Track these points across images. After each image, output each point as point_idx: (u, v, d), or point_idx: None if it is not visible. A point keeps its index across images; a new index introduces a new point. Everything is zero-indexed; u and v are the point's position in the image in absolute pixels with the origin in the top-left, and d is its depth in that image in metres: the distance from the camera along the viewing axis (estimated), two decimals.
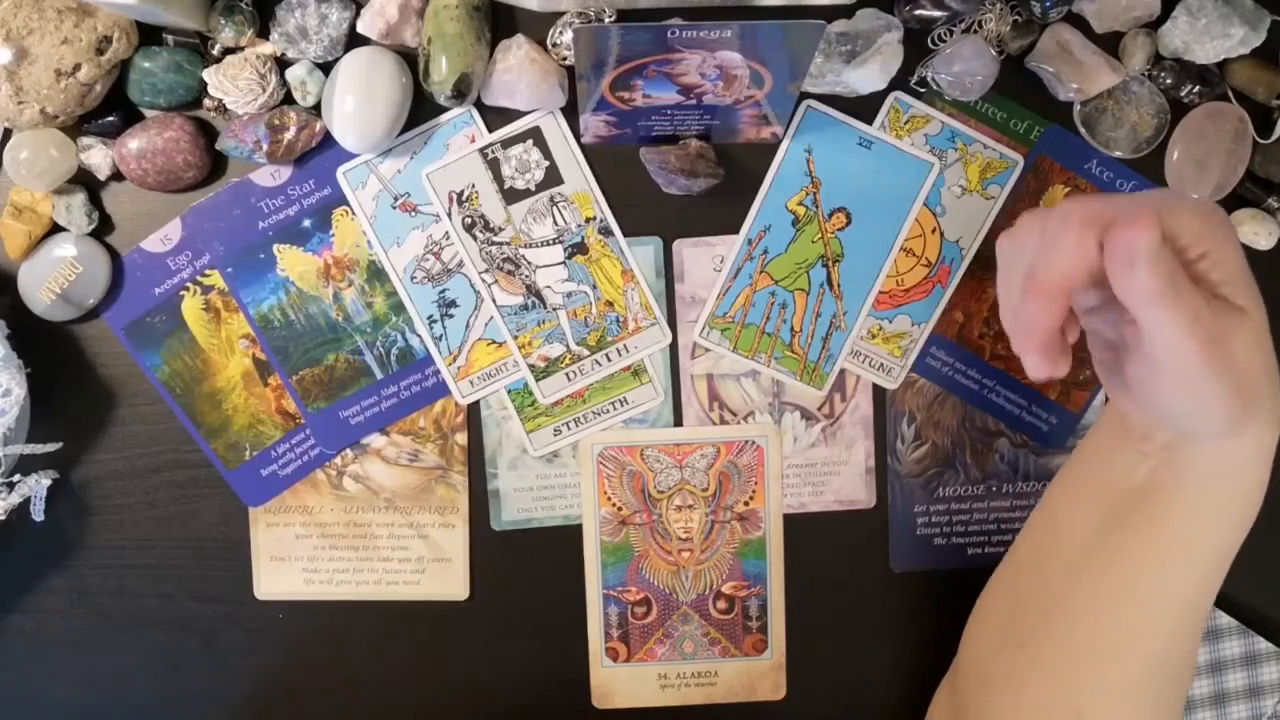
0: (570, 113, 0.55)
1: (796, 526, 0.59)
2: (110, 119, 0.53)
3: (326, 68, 0.53)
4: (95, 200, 0.55)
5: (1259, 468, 0.42)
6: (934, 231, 0.57)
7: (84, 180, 0.54)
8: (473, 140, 0.55)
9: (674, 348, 0.57)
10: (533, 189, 0.56)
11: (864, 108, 0.56)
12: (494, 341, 0.56)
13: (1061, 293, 0.38)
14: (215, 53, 0.53)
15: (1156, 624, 0.44)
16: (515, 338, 0.56)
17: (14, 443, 0.53)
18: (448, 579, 0.58)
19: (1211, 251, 0.38)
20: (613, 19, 0.53)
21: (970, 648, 0.53)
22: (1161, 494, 0.43)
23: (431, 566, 0.58)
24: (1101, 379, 0.45)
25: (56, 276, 0.54)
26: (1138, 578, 0.44)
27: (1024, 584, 0.50)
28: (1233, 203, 0.57)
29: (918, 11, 0.53)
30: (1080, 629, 0.45)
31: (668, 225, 0.56)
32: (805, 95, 0.55)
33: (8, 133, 0.53)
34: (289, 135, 0.52)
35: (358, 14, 0.52)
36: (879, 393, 0.58)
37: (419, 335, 0.56)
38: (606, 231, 0.56)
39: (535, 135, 0.55)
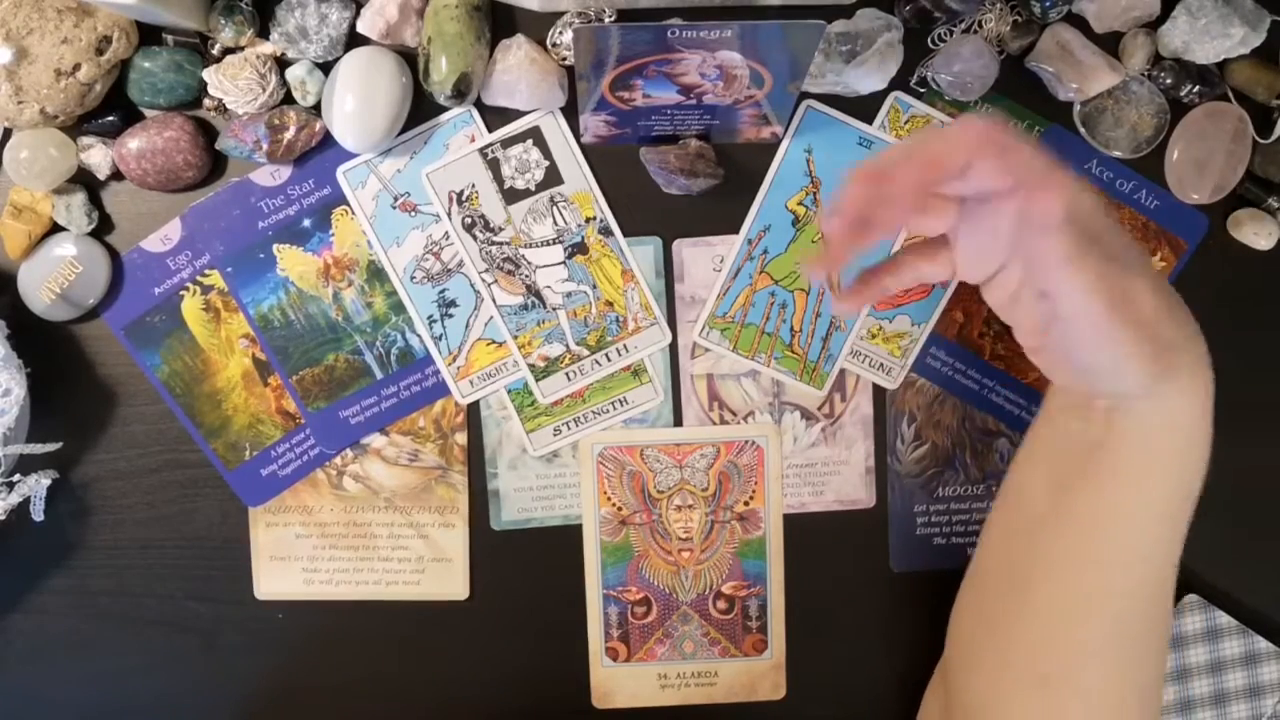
0: (570, 113, 0.55)
1: (796, 526, 0.59)
2: (110, 119, 0.53)
3: (326, 68, 0.53)
4: (95, 200, 0.55)
5: (1196, 420, 0.43)
6: None
7: (84, 180, 0.54)
8: (473, 140, 0.55)
9: (674, 348, 0.57)
10: (533, 189, 0.56)
11: (864, 108, 0.56)
12: (494, 341, 0.56)
13: (919, 164, 0.38)
14: (215, 53, 0.53)
15: (1114, 583, 0.45)
16: (515, 338, 0.56)
17: (14, 443, 0.53)
18: (448, 579, 0.58)
19: (1094, 213, 0.40)
20: (613, 19, 0.53)
21: (952, 632, 0.54)
22: (1105, 455, 0.44)
23: (431, 566, 0.58)
24: (1034, 361, 0.46)
25: (56, 276, 0.54)
26: (1090, 538, 0.45)
27: (989, 562, 0.51)
28: (1232, 203, 0.57)
29: (918, 12, 0.53)
30: (1040, 595, 0.46)
31: (668, 225, 0.56)
32: (805, 95, 0.55)
33: (8, 133, 0.53)
34: (289, 135, 0.52)
35: (358, 14, 0.52)
36: (879, 393, 0.58)
37: (419, 335, 0.56)
38: (606, 231, 0.56)
39: (535, 135, 0.55)
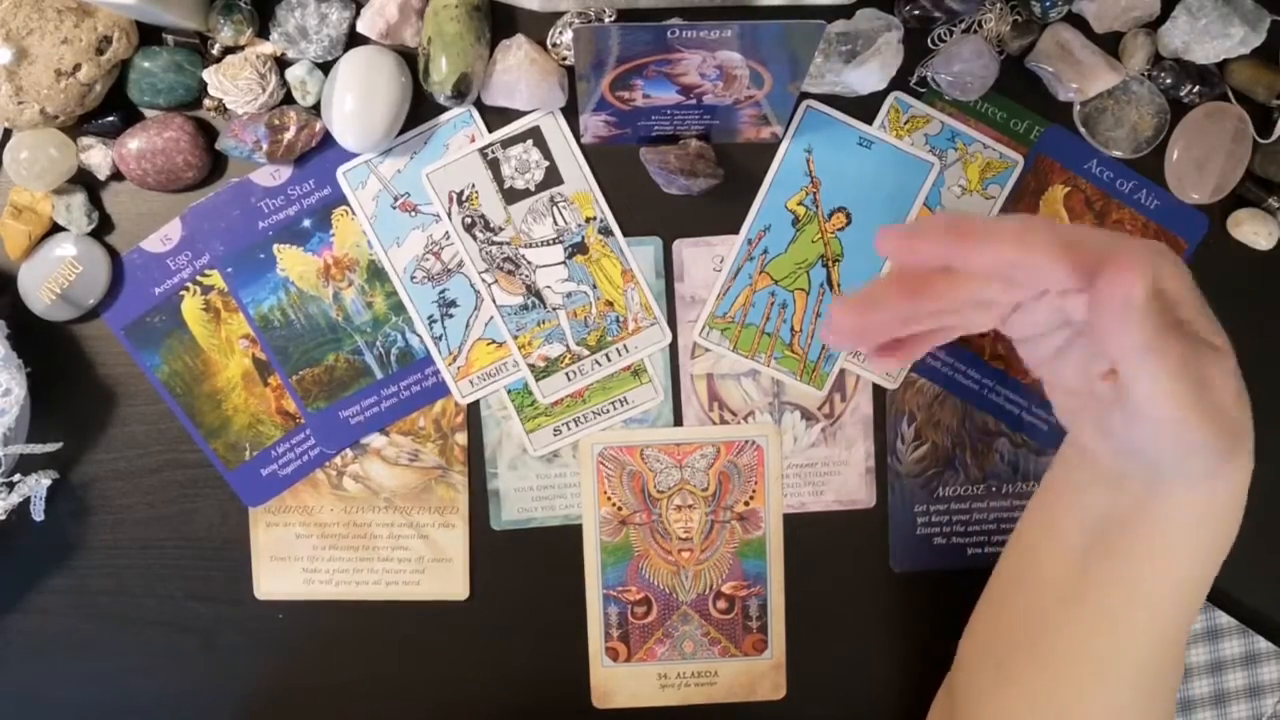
0: (570, 113, 0.55)
1: (796, 526, 0.59)
2: (110, 119, 0.53)
3: (326, 68, 0.53)
4: (95, 200, 0.55)
5: (1235, 503, 0.41)
6: None
7: (84, 180, 0.54)
8: (473, 140, 0.55)
9: (674, 348, 0.57)
10: (533, 189, 0.56)
11: (864, 108, 0.56)
12: (494, 341, 0.56)
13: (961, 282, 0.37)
14: (215, 53, 0.53)
15: (1132, 654, 0.44)
16: (515, 338, 0.56)
17: (14, 443, 0.53)
18: (448, 579, 0.58)
19: (1181, 292, 0.37)
20: (613, 19, 0.53)
21: (963, 658, 0.53)
22: (1139, 532, 0.42)
23: (431, 566, 0.58)
24: (1067, 425, 0.44)
25: (56, 276, 0.54)
26: (1116, 610, 0.44)
27: (1006, 609, 0.50)
28: (1233, 203, 0.57)
29: (917, 11, 0.53)
30: (1056, 656, 0.46)
31: (668, 225, 0.56)
32: (805, 95, 0.55)
33: (8, 133, 0.53)
34: (289, 135, 0.52)
35: (358, 14, 0.52)
36: (879, 393, 0.58)
37: (419, 335, 0.56)
38: (606, 231, 0.56)
39: (535, 135, 0.55)
